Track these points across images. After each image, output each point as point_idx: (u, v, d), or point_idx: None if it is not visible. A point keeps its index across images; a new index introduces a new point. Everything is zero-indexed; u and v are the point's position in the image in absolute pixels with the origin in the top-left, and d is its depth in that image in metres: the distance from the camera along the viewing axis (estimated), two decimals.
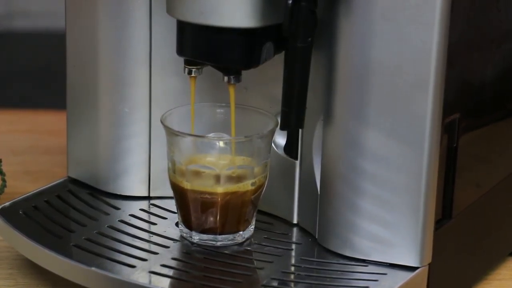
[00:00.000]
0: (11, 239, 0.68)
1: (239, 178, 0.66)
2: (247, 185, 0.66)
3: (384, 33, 0.58)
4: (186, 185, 0.66)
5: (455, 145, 0.64)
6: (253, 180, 0.66)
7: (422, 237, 0.61)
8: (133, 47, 0.72)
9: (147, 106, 0.73)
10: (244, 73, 0.65)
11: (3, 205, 0.71)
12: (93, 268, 0.61)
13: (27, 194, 0.74)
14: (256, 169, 0.65)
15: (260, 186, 0.66)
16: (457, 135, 0.65)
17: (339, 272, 0.62)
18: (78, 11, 0.74)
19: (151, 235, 0.69)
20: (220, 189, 0.65)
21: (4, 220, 0.68)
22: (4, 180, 0.79)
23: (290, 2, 0.59)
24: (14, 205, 0.71)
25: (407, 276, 0.60)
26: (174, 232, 0.69)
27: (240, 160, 0.66)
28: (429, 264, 0.62)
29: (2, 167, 0.81)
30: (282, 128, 0.64)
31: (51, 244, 0.65)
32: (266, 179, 0.67)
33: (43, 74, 2.50)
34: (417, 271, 0.61)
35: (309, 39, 0.61)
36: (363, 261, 0.62)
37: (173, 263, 0.64)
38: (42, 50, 2.68)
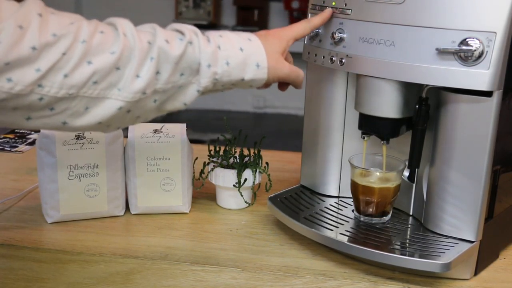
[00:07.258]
0: (274, 212, 0.94)
1: (386, 186, 0.87)
2: (389, 190, 0.88)
3: (463, 124, 0.78)
4: (359, 187, 0.88)
5: (496, 183, 0.83)
6: (392, 187, 0.87)
7: (478, 226, 0.81)
8: (335, 125, 0.96)
9: (341, 150, 0.98)
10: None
11: (271, 195, 0.97)
12: (313, 229, 0.86)
13: (281, 191, 1.00)
14: (394, 184, 0.88)
15: (395, 193, 0.88)
16: (498, 176, 0.84)
17: (433, 241, 0.83)
18: (313, 107, 0.98)
19: (339, 215, 0.92)
20: (376, 188, 0.87)
21: (271, 203, 0.95)
22: (270, 181, 1.03)
23: (417, 106, 0.82)
24: (275, 196, 0.98)
25: (469, 245, 0.81)
26: (351, 215, 0.92)
27: (386, 179, 0.88)
28: (480, 240, 0.83)
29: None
30: (408, 167, 0.88)
31: (292, 215, 0.91)
32: (398, 190, 0.88)
33: (282, 135, 3.54)
34: (474, 243, 0.82)
35: (425, 125, 0.84)
36: (446, 236, 0.83)
37: (350, 229, 0.87)
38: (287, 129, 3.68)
